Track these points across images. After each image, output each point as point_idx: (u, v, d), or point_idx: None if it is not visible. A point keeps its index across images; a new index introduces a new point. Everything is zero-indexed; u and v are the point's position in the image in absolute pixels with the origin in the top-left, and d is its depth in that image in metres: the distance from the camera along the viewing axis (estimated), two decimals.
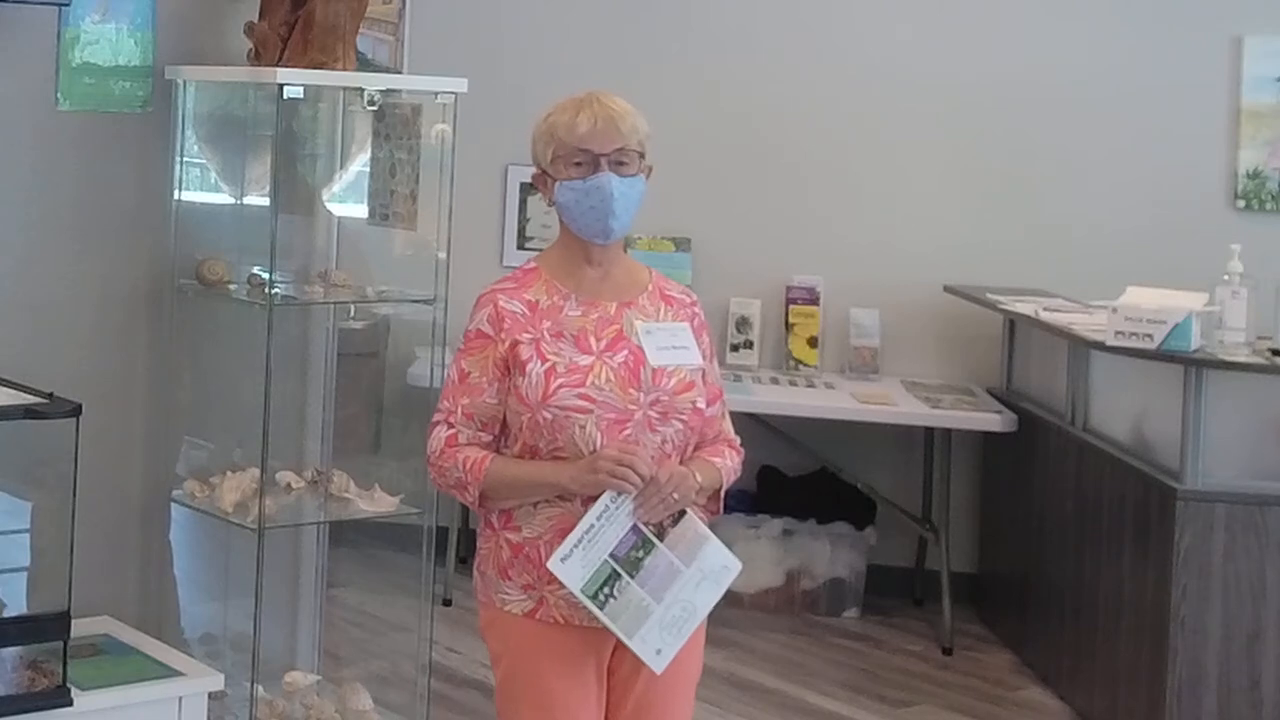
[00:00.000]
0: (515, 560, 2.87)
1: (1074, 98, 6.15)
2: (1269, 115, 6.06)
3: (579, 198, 2.88)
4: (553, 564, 2.78)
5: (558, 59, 6.15)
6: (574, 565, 2.78)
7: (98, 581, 3.74)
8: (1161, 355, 4.56)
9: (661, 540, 2.84)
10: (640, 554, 2.81)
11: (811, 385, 5.96)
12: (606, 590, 2.79)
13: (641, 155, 2.92)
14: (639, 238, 6.12)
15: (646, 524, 2.82)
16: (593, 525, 2.79)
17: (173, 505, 3.97)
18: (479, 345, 2.89)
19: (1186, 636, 4.47)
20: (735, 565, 2.91)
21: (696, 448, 2.95)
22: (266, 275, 3.81)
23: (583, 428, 2.81)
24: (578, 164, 2.88)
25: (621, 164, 2.89)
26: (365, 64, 5.07)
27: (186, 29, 3.97)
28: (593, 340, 2.88)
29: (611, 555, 2.79)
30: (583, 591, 2.78)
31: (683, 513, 2.86)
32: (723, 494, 3.01)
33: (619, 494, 2.79)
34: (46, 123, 3.79)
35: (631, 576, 2.80)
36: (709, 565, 2.86)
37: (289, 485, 3.96)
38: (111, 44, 3.85)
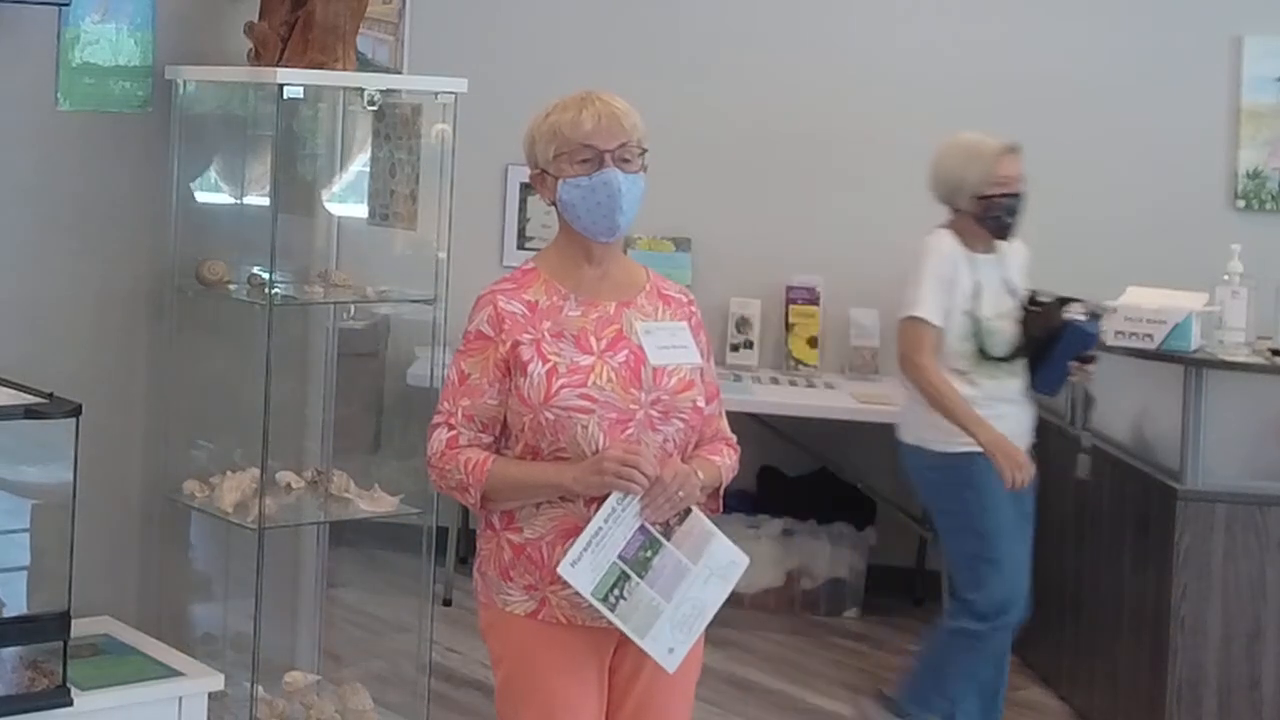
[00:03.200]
0: (517, 561, 2.87)
1: (1074, 98, 6.15)
2: (1269, 115, 6.06)
3: (585, 194, 2.87)
4: (563, 569, 2.77)
5: (557, 59, 6.15)
6: (584, 569, 2.77)
7: (98, 581, 3.74)
8: (1162, 355, 4.56)
9: (668, 539, 2.83)
10: (648, 554, 2.81)
11: (811, 385, 5.96)
12: (617, 592, 2.78)
13: (642, 153, 2.92)
14: (639, 238, 6.12)
15: (653, 523, 2.82)
16: (600, 528, 2.78)
17: (172, 505, 3.97)
18: (479, 346, 2.89)
19: (1186, 636, 4.47)
20: (743, 560, 2.90)
21: (695, 446, 2.95)
22: (266, 275, 3.81)
23: (585, 428, 2.80)
24: (583, 161, 2.87)
25: (625, 160, 2.89)
26: (365, 64, 5.06)
27: (186, 29, 3.97)
28: (593, 340, 2.87)
29: (620, 557, 2.78)
30: (593, 595, 2.77)
31: (688, 511, 2.86)
32: (722, 492, 3.01)
33: (625, 495, 2.78)
34: (46, 123, 3.79)
35: (641, 577, 2.80)
36: (716, 561, 2.86)
37: (289, 485, 3.96)
38: (111, 44, 3.85)
